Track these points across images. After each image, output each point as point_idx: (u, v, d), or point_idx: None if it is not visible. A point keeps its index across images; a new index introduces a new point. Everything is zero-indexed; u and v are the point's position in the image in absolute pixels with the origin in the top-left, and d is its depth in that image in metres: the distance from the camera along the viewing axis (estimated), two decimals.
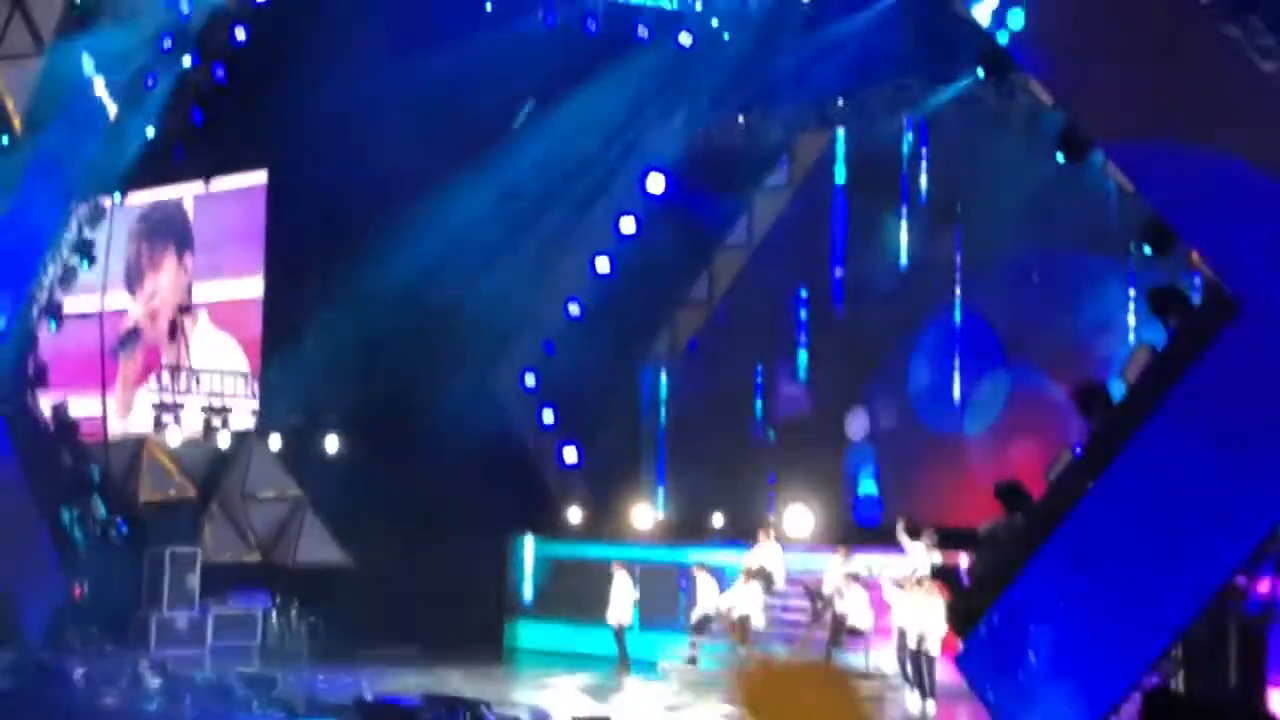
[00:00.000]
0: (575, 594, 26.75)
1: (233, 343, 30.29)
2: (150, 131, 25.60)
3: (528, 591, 28.29)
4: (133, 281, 32.15)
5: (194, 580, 26.89)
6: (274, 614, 27.98)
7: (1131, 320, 22.50)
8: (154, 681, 20.98)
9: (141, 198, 30.25)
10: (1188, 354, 15.48)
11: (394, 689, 21.14)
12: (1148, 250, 16.48)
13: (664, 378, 29.46)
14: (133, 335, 31.51)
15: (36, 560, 25.25)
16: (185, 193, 31.34)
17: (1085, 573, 15.76)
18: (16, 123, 26.11)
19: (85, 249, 26.47)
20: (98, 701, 20.80)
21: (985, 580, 16.68)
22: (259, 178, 29.82)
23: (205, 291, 31.06)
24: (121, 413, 30.71)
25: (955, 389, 25.25)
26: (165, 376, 27.89)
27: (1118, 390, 16.25)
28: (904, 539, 22.09)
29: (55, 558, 25.10)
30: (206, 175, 30.35)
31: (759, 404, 27.98)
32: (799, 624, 23.64)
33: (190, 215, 31.49)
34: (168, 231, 31.84)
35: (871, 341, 26.35)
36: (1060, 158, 17.00)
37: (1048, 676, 15.80)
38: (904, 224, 25.93)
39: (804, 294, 27.50)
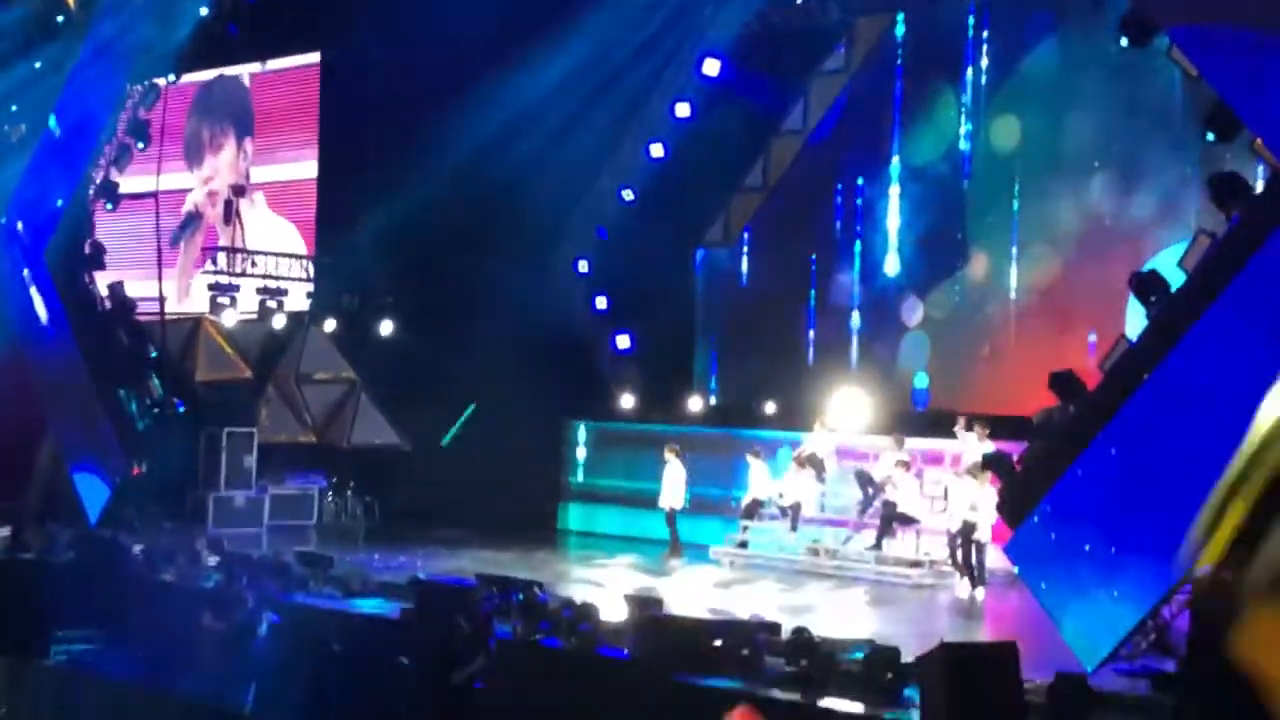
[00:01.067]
0: (627, 478, 26.87)
1: (289, 225, 30.35)
2: (204, 11, 25.49)
3: (579, 475, 28.45)
4: (191, 160, 32.19)
5: (250, 460, 27.18)
6: (329, 494, 28.27)
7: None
8: (211, 559, 21.24)
9: (199, 77, 30.21)
10: (1249, 243, 15.24)
11: (448, 569, 21.36)
12: (1211, 136, 16.19)
13: (718, 264, 29.32)
14: (192, 218, 31.60)
15: (95, 438, 25.51)
16: (243, 71, 31.28)
17: (1139, 462, 15.66)
18: (71, 3, 26.06)
19: (140, 129, 26.49)
20: (156, 578, 21.09)
21: (1038, 469, 16.59)
22: (313, 57, 29.71)
23: (262, 173, 31.10)
24: (180, 295, 30.90)
25: (1012, 278, 25.01)
26: (221, 258, 27.96)
27: (1177, 279, 16.02)
28: (959, 430, 22.07)
29: (113, 436, 25.34)
30: (261, 55, 30.25)
31: (813, 292, 27.83)
32: (850, 511, 23.68)
33: (250, 95, 31.42)
34: (227, 112, 31.83)
35: (929, 229, 26.12)
36: (1125, 41, 16.66)
37: (1098, 565, 15.76)
38: (964, 110, 25.57)
39: (860, 181, 27.24)
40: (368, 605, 19.00)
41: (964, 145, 25.63)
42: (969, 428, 22.09)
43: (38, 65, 26.16)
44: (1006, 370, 24.63)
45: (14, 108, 26.71)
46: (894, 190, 26.67)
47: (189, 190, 31.81)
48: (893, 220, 26.70)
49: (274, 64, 30.58)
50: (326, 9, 27.24)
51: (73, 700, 19.38)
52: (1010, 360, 24.56)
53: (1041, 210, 24.60)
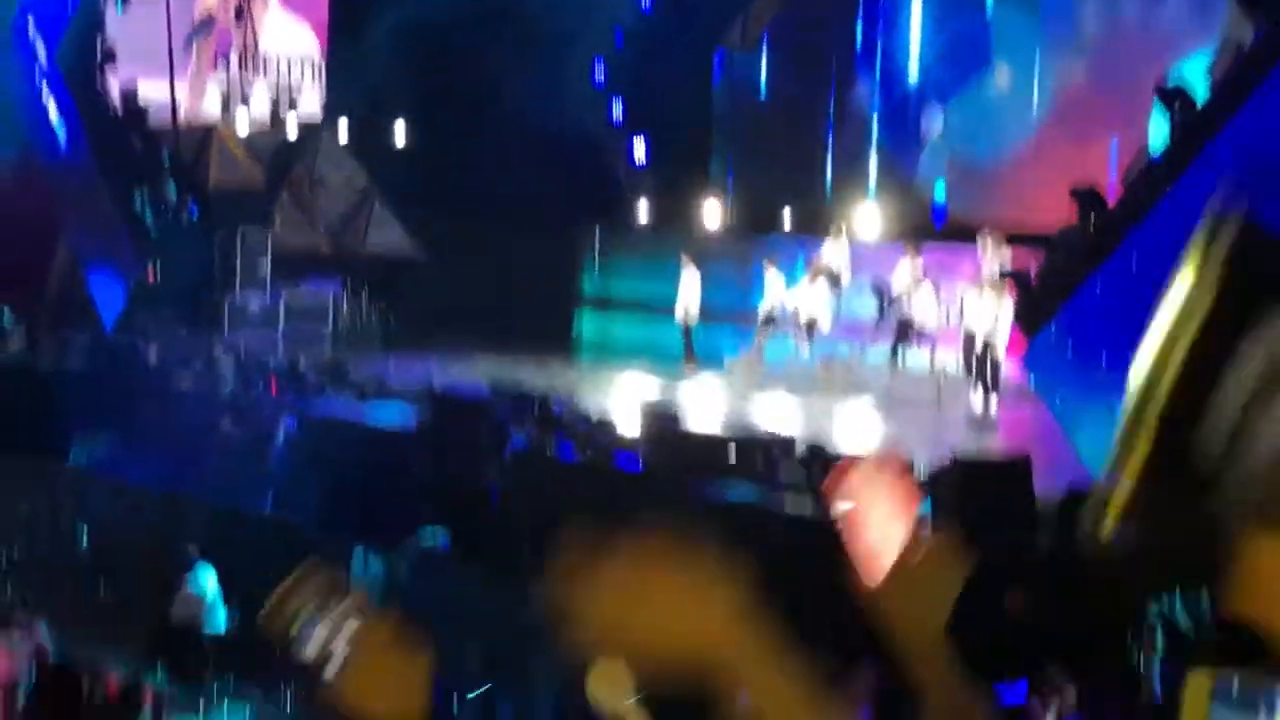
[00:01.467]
0: (644, 286, 26.81)
1: (303, 27, 29.88)
2: None
3: (596, 283, 28.34)
4: None
5: (265, 264, 27.03)
6: (344, 300, 28.24)
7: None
8: (227, 364, 21.28)
9: None
10: (1273, 52, 14.97)
11: (463, 378, 21.38)
12: None
13: (735, 69, 28.87)
14: (207, 21, 31.11)
15: (110, 242, 25.45)
16: None
17: (1157, 277, 15.53)
18: None
19: None
20: (172, 383, 21.18)
21: (1055, 282, 16.53)
22: None
23: None
24: (194, 99, 30.54)
25: (1035, 89, 24.61)
26: (232, 62, 27.59)
27: (1201, 92, 15.77)
28: (980, 243, 21.89)
29: (128, 240, 25.26)
30: None
31: (832, 99, 27.44)
32: (866, 322, 23.63)
33: None
34: None
35: (951, 35, 25.65)
36: None
37: (1113, 378, 15.75)
38: None
39: None
40: (384, 414, 19.06)
41: None
42: (988, 238, 21.90)
43: None
44: (1028, 181, 24.36)
45: None
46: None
47: None
48: (914, 27, 26.19)
49: None
50: None
51: (93, 501, 19.64)
52: (1031, 171, 24.29)
53: (1065, 12, 24.10)
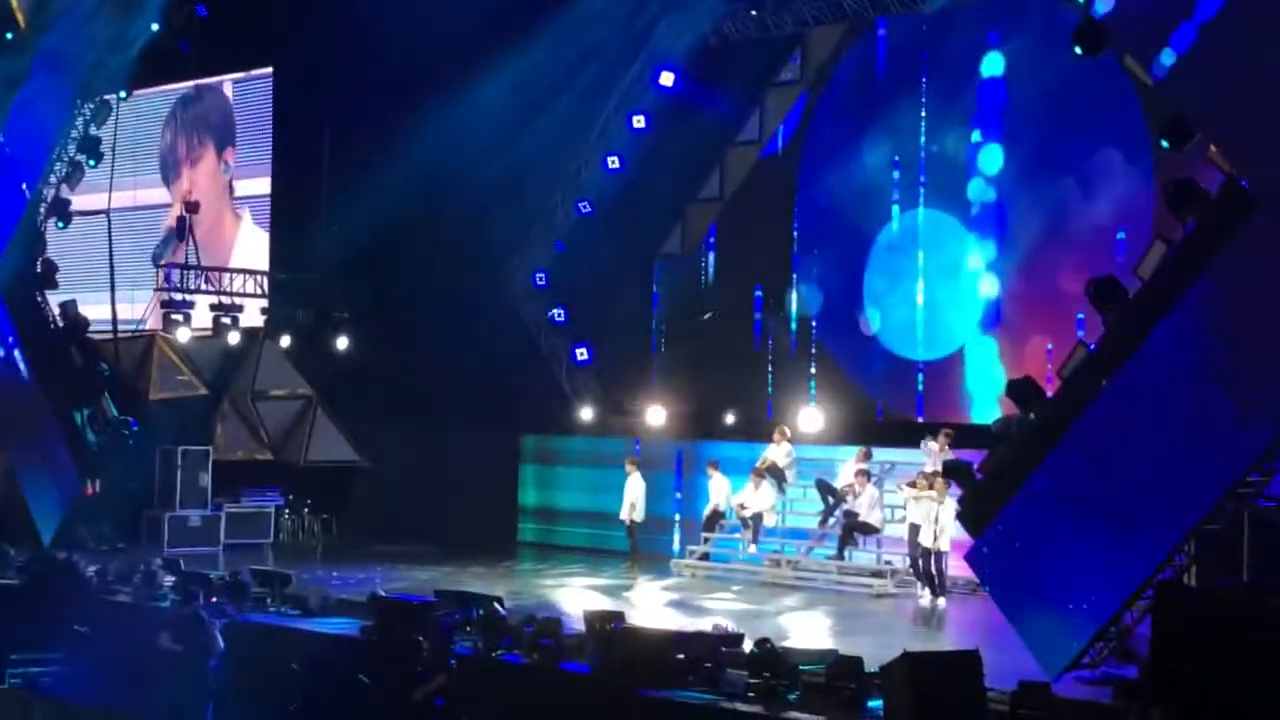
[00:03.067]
0: (586, 491, 26.79)
1: (250, 237, 30.12)
2: (155, 26, 25.30)
3: (538, 489, 28.28)
4: (169, 176, 31.96)
5: (206, 478, 26.97)
6: (287, 511, 28.07)
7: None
8: (167, 579, 21.03)
9: (155, 90, 29.99)
10: (1205, 249, 15.27)
11: (407, 586, 21.22)
12: (1165, 144, 16.22)
13: (675, 275, 29.22)
14: (172, 235, 31.29)
15: (49, 459, 25.25)
16: (225, 80, 30.94)
17: (1099, 469, 15.65)
18: (21, 19, 25.84)
19: (92, 146, 26.26)
20: (110, 598, 20.87)
21: (998, 477, 16.57)
22: (264, 71, 29.53)
23: (249, 186, 30.84)
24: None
25: (971, 292, 25.03)
26: (176, 274, 27.71)
27: (1133, 285, 16.03)
28: (925, 443, 22.06)
29: (67, 456, 25.08)
30: (212, 70, 30.05)
31: (767, 303, 27.76)
32: (811, 522, 23.65)
33: (231, 104, 31.02)
34: (205, 123, 31.58)
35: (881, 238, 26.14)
36: (1078, 50, 16.68)
37: (1060, 573, 15.75)
38: (921, 121, 25.55)
39: (818, 191, 27.19)
40: (327, 624, 18.84)
41: (921, 153, 25.61)
42: (931, 437, 22.12)
43: None
44: (965, 379, 24.66)
45: None
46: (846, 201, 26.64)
47: (167, 206, 31.55)
48: (847, 231, 26.63)
49: (225, 78, 30.36)
50: (278, 23, 27.09)
51: None
52: (967, 368, 24.60)
53: (997, 218, 24.63)
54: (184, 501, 26.67)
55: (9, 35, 26.04)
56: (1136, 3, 15.95)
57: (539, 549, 27.32)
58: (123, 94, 26.61)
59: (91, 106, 26.13)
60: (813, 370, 26.82)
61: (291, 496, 28.23)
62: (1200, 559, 16.10)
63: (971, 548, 16.96)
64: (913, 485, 21.32)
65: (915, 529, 21.16)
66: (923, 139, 25.53)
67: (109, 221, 28.14)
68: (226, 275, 28.40)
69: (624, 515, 24.92)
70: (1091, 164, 23.19)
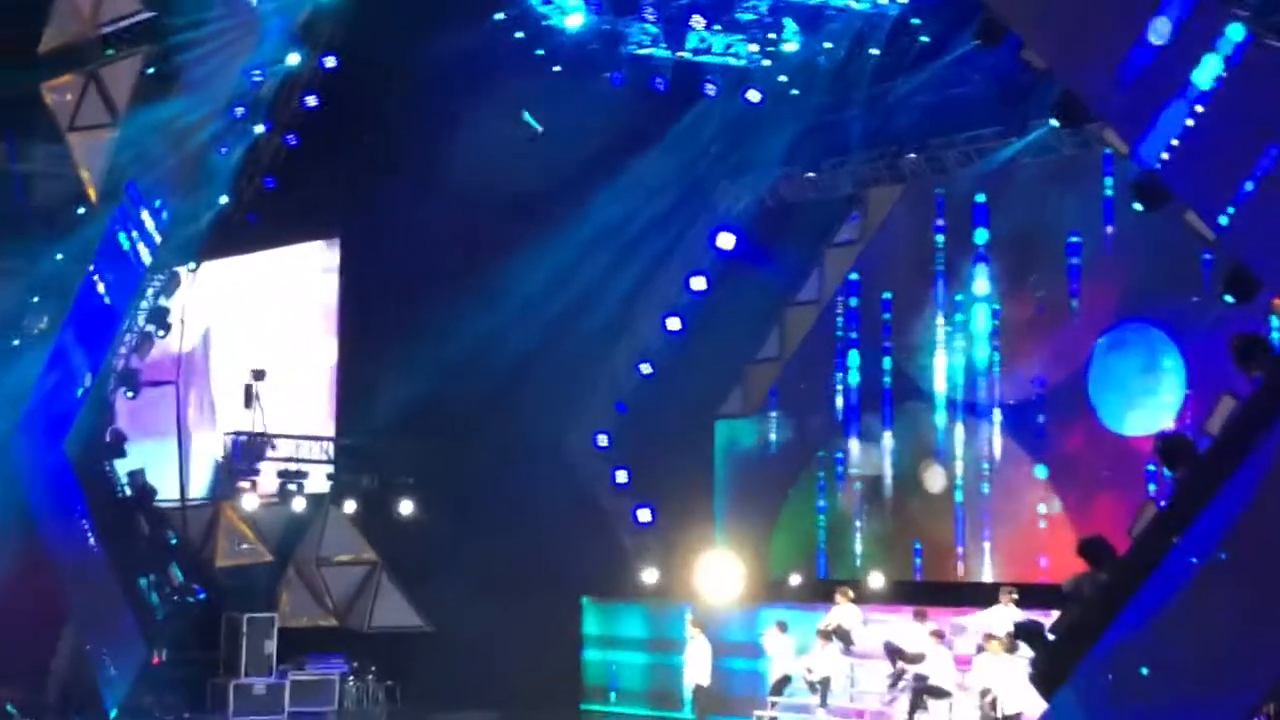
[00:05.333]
0: (651, 653, 26.53)
1: (311, 408, 30.35)
2: (224, 199, 25.81)
3: (602, 652, 27.92)
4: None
5: (271, 645, 26.89)
6: (351, 679, 27.94)
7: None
8: None
9: (221, 265, 30.45)
10: (1274, 403, 15.16)
11: None
12: (1229, 298, 16.17)
13: (736, 435, 29.21)
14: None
15: (115, 627, 25.30)
16: (265, 259, 31.42)
17: (1173, 629, 15.41)
18: (92, 193, 26.39)
19: (160, 317, 26.63)
20: None
21: (1070, 638, 16.32)
22: (332, 243, 29.97)
23: (286, 356, 31.15)
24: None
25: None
26: (242, 441, 27.92)
27: (1203, 442, 15.90)
28: (997, 604, 21.79)
29: (134, 625, 25.13)
30: (280, 242, 30.52)
31: (831, 462, 27.67)
32: (880, 685, 23.31)
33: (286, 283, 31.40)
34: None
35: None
36: (1138, 206, 16.73)
37: None
38: (982, 276, 25.61)
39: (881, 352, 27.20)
40: None
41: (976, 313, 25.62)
42: (999, 597, 21.84)
43: (59, 257, 26.40)
44: (1036, 538, 24.42)
45: (35, 299, 26.90)
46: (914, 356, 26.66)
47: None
48: (912, 390, 26.60)
49: (295, 250, 30.78)
50: (343, 196, 27.58)
51: None
52: (1039, 527, 24.37)
53: (1062, 369, 24.58)
54: (249, 669, 26.60)
55: (80, 208, 26.58)
56: (1196, 158, 16.03)
57: (606, 713, 26.98)
58: (192, 265, 27.08)
59: (161, 279, 26.54)
60: (878, 529, 26.62)
61: (356, 663, 28.10)
62: None
63: (1044, 711, 16.66)
64: (983, 646, 20.99)
65: (986, 692, 20.79)
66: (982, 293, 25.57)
67: (178, 391, 28.46)
68: (291, 442, 28.59)
69: (688, 680, 24.61)
70: (1155, 313, 23.15)
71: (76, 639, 25.71)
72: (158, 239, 25.97)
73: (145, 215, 25.84)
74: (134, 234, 25.95)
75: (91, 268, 26.18)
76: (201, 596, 25.72)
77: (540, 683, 27.00)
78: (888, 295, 27.05)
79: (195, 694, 26.30)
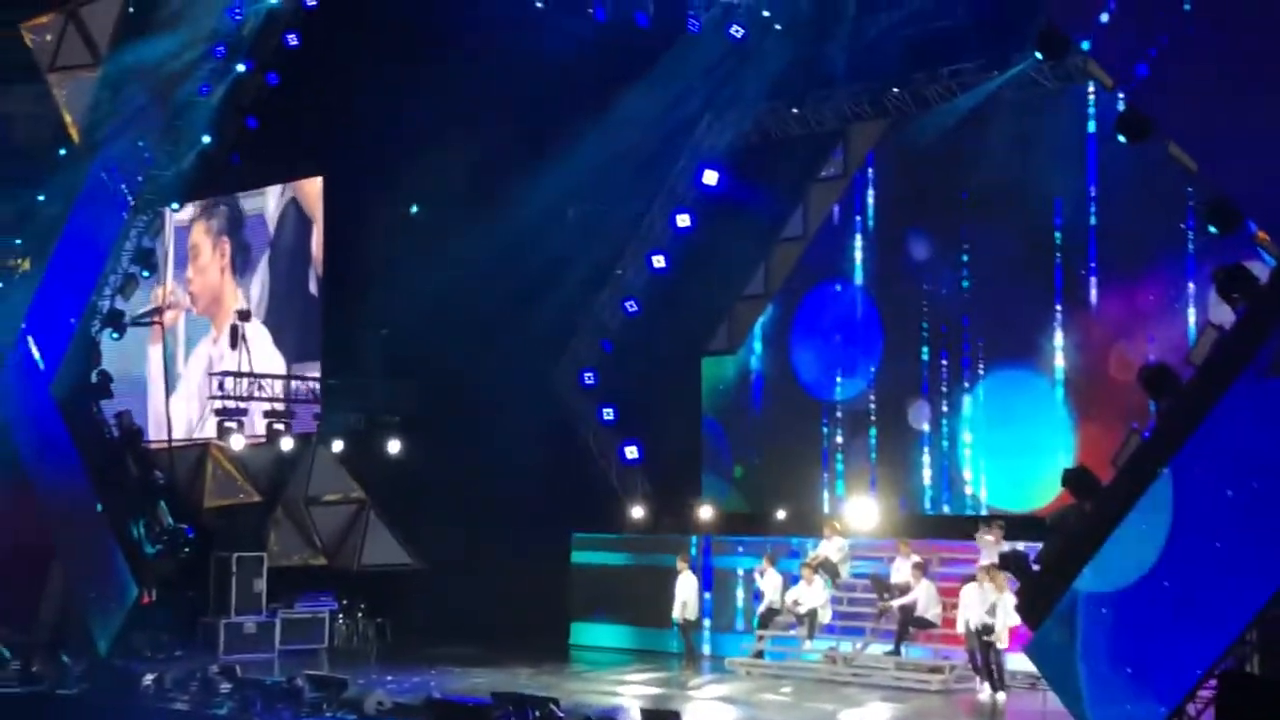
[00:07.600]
0: (640, 590, 26.67)
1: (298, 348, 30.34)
2: (206, 139, 25.71)
3: (591, 589, 28.10)
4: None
5: (260, 584, 27.03)
6: (341, 616, 28.10)
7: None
8: (223, 686, 21.07)
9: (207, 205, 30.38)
10: (1256, 334, 15.25)
11: (462, 688, 21.18)
12: (1213, 229, 16.22)
13: (723, 372, 29.27)
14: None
15: (105, 568, 25.39)
16: (256, 199, 31.30)
17: (1157, 559, 15.54)
18: (74, 134, 26.28)
19: (145, 258, 26.60)
20: (168, 706, 20.91)
21: (1055, 568, 16.48)
22: (315, 183, 29.87)
23: (266, 295, 31.14)
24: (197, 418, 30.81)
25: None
26: (229, 382, 27.94)
27: (1186, 372, 15.99)
28: (978, 533, 21.94)
29: (123, 565, 25.21)
30: (263, 181, 30.43)
31: (820, 396, 27.73)
32: (866, 617, 23.50)
33: (270, 223, 31.31)
34: (239, 237, 31.92)
35: (933, 330, 26.12)
36: (1122, 138, 16.75)
37: (1121, 663, 15.62)
38: (960, 211, 25.59)
39: (860, 284, 27.24)
40: None
41: (963, 246, 25.63)
42: (985, 529, 21.99)
43: (41, 198, 26.33)
44: (1020, 468, 24.56)
45: (18, 240, 26.84)
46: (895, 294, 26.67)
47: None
48: (899, 322, 26.63)
49: (278, 190, 30.67)
50: (325, 135, 27.48)
51: None
52: (1023, 458, 24.50)
53: (1044, 308, 24.62)
54: (239, 608, 26.73)
55: (62, 150, 26.48)
56: (1178, 90, 16.05)
57: (594, 649, 27.15)
58: (175, 205, 27.00)
59: (145, 219, 26.48)
60: (864, 465, 26.71)
61: (345, 601, 28.26)
62: (1264, 647, 15.92)
63: (1031, 640, 16.83)
64: (973, 579, 21.17)
65: (972, 623, 20.97)
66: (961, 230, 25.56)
67: (163, 331, 28.45)
68: (278, 381, 28.62)
69: (676, 614, 24.82)
70: (1137, 250, 23.19)
71: (66, 580, 25.82)
72: (140, 179, 25.92)
73: (127, 156, 25.76)
74: (116, 175, 25.87)
75: (74, 209, 26.10)
76: (190, 537, 25.79)
77: (529, 618, 27.18)
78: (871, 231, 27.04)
79: (186, 633, 26.46)
